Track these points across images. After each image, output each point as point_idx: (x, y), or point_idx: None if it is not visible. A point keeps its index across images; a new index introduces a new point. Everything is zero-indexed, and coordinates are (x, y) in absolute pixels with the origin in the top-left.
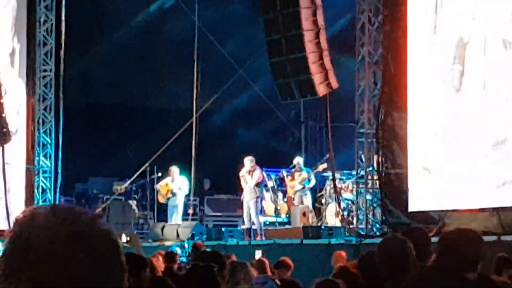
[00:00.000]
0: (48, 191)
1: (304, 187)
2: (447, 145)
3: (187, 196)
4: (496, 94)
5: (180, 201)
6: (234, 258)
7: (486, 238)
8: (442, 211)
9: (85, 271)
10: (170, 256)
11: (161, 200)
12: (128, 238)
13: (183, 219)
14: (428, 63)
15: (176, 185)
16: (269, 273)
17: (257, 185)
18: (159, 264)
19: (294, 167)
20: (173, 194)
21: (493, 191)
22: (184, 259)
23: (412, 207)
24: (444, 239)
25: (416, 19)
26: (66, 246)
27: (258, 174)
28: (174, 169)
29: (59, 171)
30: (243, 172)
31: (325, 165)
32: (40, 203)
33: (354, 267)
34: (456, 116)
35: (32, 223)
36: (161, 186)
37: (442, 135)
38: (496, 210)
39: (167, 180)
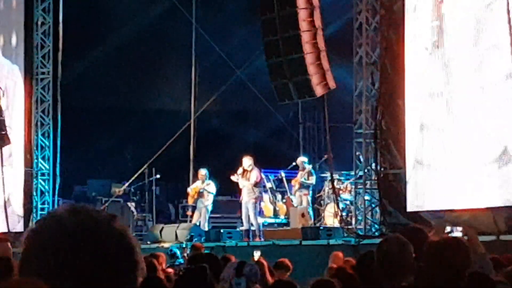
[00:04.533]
0: (46, 193)
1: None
2: (446, 143)
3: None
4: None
5: (208, 202)
6: (233, 259)
7: (485, 238)
8: (440, 211)
9: (92, 262)
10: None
11: (190, 201)
12: None
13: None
14: (425, 63)
15: (203, 186)
16: (268, 275)
17: (256, 185)
18: (160, 264)
19: (297, 167)
20: (200, 195)
21: (495, 186)
22: (182, 260)
23: (410, 207)
24: (429, 250)
25: (413, 18)
26: (73, 236)
27: (255, 174)
28: (202, 171)
29: (58, 173)
30: (239, 172)
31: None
32: (39, 206)
33: (351, 267)
34: (457, 114)
35: (47, 220)
36: (192, 188)
37: (441, 134)
38: (491, 209)
39: (197, 183)
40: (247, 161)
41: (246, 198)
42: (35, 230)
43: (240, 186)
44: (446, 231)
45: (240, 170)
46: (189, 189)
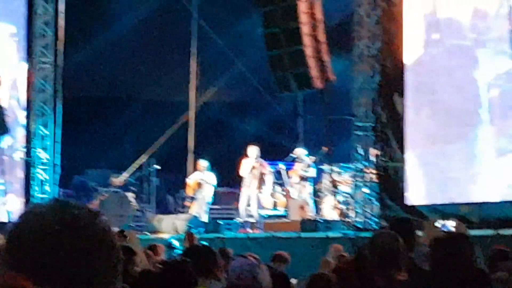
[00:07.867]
0: (46, 183)
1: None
2: (447, 137)
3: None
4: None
5: (207, 194)
6: (230, 252)
7: (484, 233)
8: (439, 204)
9: (73, 260)
10: None
11: (189, 192)
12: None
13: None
14: (425, 55)
15: (203, 177)
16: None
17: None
18: (157, 256)
19: (294, 160)
20: (200, 186)
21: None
22: (181, 252)
23: (410, 200)
24: (437, 245)
25: (412, 11)
26: (54, 233)
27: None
28: (202, 163)
29: (57, 163)
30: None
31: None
32: (38, 196)
33: (346, 262)
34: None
35: (29, 216)
36: (192, 179)
37: (441, 128)
38: (477, 205)
39: (197, 173)
40: (255, 151)
41: (252, 190)
42: (17, 226)
43: (243, 174)
44: (438, 225)
45: (249, 163)
46: (189, 180)
